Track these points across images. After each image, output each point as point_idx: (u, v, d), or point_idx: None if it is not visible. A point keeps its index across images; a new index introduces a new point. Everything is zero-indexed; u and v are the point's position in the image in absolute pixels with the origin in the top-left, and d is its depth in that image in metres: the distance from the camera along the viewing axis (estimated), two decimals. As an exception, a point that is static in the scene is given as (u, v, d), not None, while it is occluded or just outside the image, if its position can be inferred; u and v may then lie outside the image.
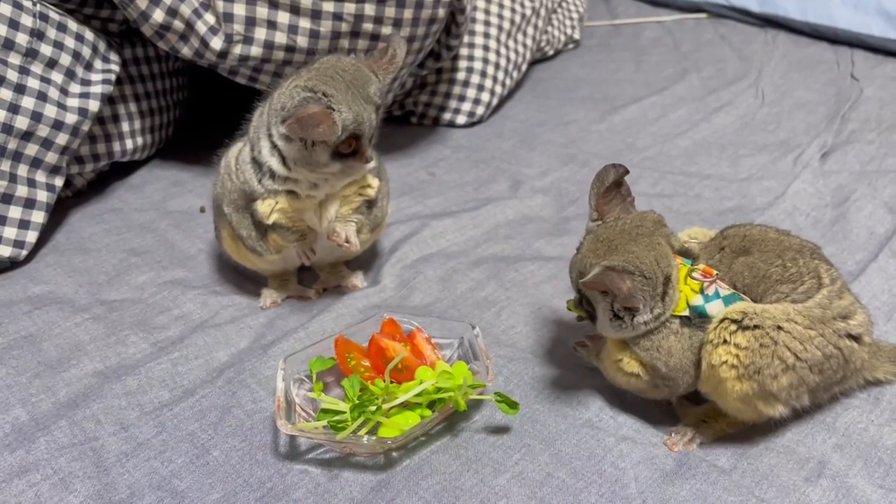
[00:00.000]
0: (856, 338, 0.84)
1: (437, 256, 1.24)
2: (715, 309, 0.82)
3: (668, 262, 0.81)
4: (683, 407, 0.91)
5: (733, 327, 0.80)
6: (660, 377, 0.84)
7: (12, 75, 1.17)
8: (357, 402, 0.86)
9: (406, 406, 0.88)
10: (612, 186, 0.86)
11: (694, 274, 0.83)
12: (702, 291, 0.83)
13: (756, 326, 0.79)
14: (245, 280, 1.18)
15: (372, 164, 0.99)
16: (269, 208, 0.99)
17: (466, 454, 0.86)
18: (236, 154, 1.02)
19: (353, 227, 1.04)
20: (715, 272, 0.84)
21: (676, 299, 0.82)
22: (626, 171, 0.86)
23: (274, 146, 0.96)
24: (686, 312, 0.83)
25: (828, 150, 1.56)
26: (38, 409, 0.92)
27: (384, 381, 0.89)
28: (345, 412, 0.85)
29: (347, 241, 1.02)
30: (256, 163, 0.98)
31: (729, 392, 0.81)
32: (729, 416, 0.87)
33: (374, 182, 1.05)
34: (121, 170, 1.50)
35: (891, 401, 0.93)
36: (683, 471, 0.84)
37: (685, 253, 0.87)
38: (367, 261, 1.23)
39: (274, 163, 0.97)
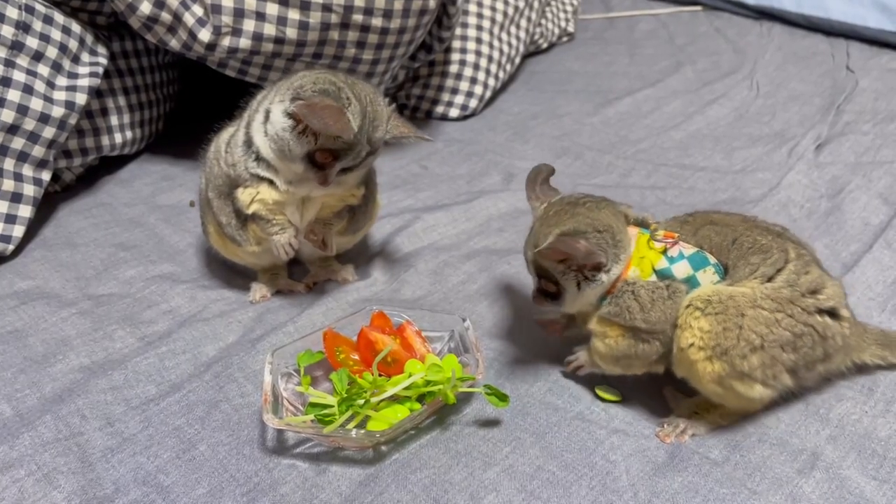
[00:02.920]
0: (830, 312, 0.83)
1: (429, 250, 1.23)
2: (681, 269, 0.82)
3: (614, 217, 0.85)
4: (676, 398, 0.90)
5: (697, 314, 0.80)
6: (644, 333, 0.83)
7: (-3, 68, 1.16)
8: (345, 395, 0.85)
9: (395, 399, 0.87)
10: (545, 181, 0.93)
11: (656, 237, 0.84)
12: (665, 254, 0.83)
13: (719, 312, 0.80)
14: (234, 274, 1.16)
15: (328, 190, 0.97)
16: (250, 197, 0.98)
17: (456, 447, 0.85)
18: (227, 138, 1.01)
19: (331, 231, 1.04)
20: (676, 235, 0.85)
21: (628, 244, 0.84)
22: (553, 171, 0.94)
23: (266, 119, 0.94)
24: (653, 278, 0.83)
25: (822, 142, 1.55)
26: (23, 405, 0.91)
27: (373, 374, 0.88)
28: (333, 406, 0.84)
29: (324, 244, 1.02)
30: (249, 143, 0.97)
31: (702, 374, 0.81)
32: (721, 408, 0.86)
33: (359, 190, 1.04)
34: (110, 164, 1.49)
35: (884, 392, 0.92)
36: (675, 463, 0.83)
37: (642, 223, 0.88)
38: (357, 254, 1.22)
39: (259, 138, 0.95)
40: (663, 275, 0.83)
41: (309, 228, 1.02)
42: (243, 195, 0.98)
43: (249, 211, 0.99)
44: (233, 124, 1.04)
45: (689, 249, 0.83)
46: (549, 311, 0.95)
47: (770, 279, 0.81)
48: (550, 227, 0.84)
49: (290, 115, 0.91)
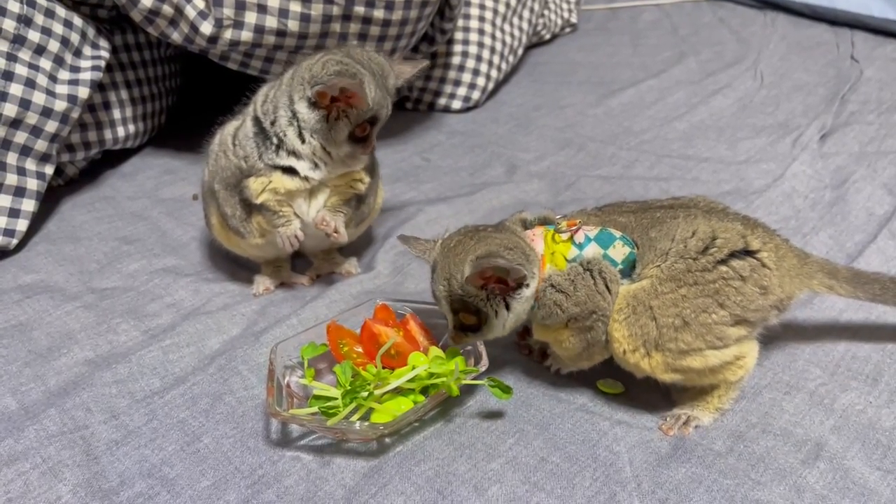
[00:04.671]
0: (734, 255, 0.82)
1: (432, 242, 1.23)
2: (591, 252, 0.83)
3: (518, 234, 0.86)
4: (678, 391, 0.90)
5: (615, 325, 0.83)
6: (584, 319, 0.83)
7: (0, 62, 1.16)
8: (349, 387, 0.85)
9: (399, 392, 0.87)
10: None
11: (559, 230, 0.85)
12: (573, 242, 0.84)
13: (628, 316, 0.81)
14: (238, 267, 1.16)
15: (365, 160, 1.03)
16: (262, 186, 0.99)
17: (460, 439, 0.85)
18: (233, 131, 1.01)
19: (341, 218, 1.04)
20: (577, 221, 0.86)
21: (536, 257, 0.85)
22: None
23: (293, 116, 0.96)
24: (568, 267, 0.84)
25: (827, 132, 1.55)
26: (28, 398, 0.91)
27: (376, 366, 0.88)
28: (336, 398, 0.84)
29: (336, 231, 1.03)
30: (264, 135, 0.98)
31: (651, 370, 0.83)
32: (716, 388, 0.86)
33: (366, 178, 1.05)
34: (113, 158, 1.49)
35: (889, 382, 0.92)
36: (679, 454, 0.83)
37: (545, 221, 0.89)
38: (360, 247, 1.22)
39: (290, 133, 0.97)
40: (576, 262, 0.84)
41: (321, 217, 1.02)
42: (255, 184, 0.99)
43: (258, 201, 1.00)
44: (237, 117, 1.04)
45: (592, 231, 0.84)
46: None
47: (666, 254, 0.82)
48: (460, 256, 0.83)
49: (315, 105, 0.95)
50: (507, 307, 0.84)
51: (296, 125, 0.97)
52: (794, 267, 0.87)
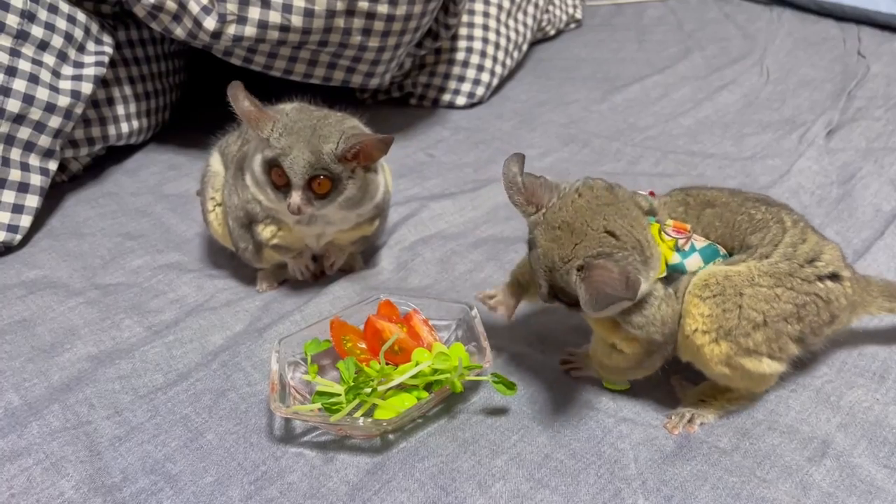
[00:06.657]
0: (831, 276, 0.82)
1: (436, 238, 1.23)
2: (694, 263, 0.81)
3: (639, 223, 0.78)
4: (683, 388, 0.90)
5: (696, 301, 0.79)
6: (656, 347, 0.82)
7: (3, 57, 1.16)
8: (352, 384, 0.85)
9: (402, 388, 0.87)
10: (523, 172, 0.80)
11: (667, 230, 0.81)
12: (677, 248, 0.81)
13: (717, 294, 0.79)
14: (241, 263, 1.16)
15: (296, 218, 0.97)
16: (271, 234, 1.02)
17: (463, 436, 0.85)
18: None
19: (344, 256, 1.12)
20: (689, 227, 0.82)
21: (658, 256, 0.78)
22: (524, 157, 0.81)
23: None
24: (665, 273, 0.81)
25: (833, 128, 1.54)
26: (31, 394, 0.91)
27: (380, 362, 0.88)
28: (340, 394, 0.84)
29: (331, 268, 1.12)
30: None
31: (709, 357, 0.80)
32: (729, 392, 0.85)
33: (371, 227, 1.07)
34: (117, 154, 1.49)
35: (896, 379, 0.91)
36: (684, 452, 0.82)
37: (650, 212, 0.82)
38: (364, 243, 1.21)
39: (254, 188, 0.97)
40: (675, 269, 0.80)
41: (327, 252, 1.09)
42: (265, 232, 1.02)
43: (271, 244, 1.03)
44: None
45: (700, 242, 0.82)
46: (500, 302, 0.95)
47: (768, 256, 0.81)
48: (566, 248, 0.75)
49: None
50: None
51: (252, 175, 0.97)
52: (856, 301, 0.87)
